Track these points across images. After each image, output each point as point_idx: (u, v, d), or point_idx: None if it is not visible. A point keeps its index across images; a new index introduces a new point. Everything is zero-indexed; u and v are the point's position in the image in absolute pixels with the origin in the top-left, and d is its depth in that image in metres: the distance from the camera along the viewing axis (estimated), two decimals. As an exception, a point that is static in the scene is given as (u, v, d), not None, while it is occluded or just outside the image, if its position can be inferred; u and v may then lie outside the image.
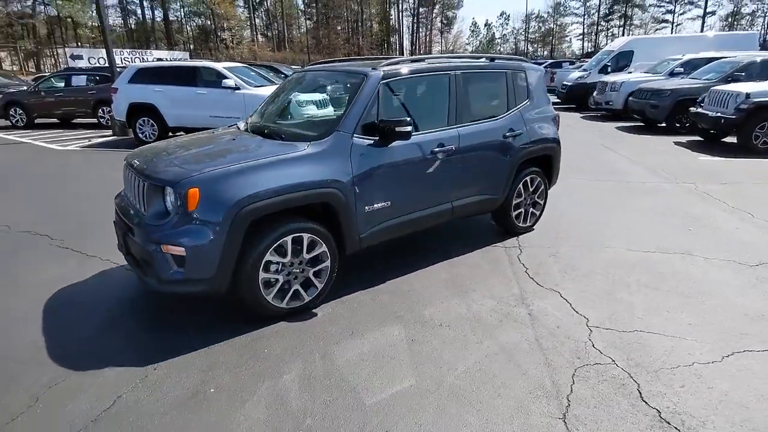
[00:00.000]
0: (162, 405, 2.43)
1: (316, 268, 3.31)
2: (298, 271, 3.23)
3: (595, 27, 67.01)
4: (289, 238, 3.10)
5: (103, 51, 34.68)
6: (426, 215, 3.87)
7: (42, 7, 39.42)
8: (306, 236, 3.18)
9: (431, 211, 3.90)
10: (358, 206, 3.38)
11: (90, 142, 11.13)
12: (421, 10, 68.63)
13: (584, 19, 68.35)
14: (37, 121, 14.40)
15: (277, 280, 3.14)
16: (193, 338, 3.01)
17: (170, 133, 10.15)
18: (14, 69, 35.11)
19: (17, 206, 5.93)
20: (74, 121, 14.67)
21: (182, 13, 48.66)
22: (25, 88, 15.88)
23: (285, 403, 2.44)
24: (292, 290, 3.22)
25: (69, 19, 38.11)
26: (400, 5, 67.79)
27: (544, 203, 4.88)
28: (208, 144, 3.63)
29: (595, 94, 14.18)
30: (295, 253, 3.18)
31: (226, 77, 9.67)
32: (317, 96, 4.42)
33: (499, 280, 3.79)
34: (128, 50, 39.62)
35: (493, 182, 4.28)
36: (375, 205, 3.49)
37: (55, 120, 14.70)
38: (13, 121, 14.30)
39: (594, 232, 4.77)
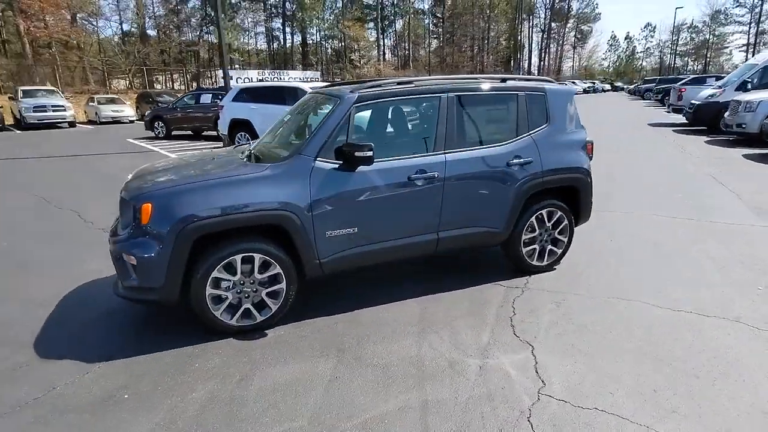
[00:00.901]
0: (79, 403, 2.63)
1: (270, 289, 3.32)
2: (249, 290, 3.27)
3: (765, 36, 57.27)
4: (238, 257, 3.17)
5: (250, 72, 39.51)
6: (404, 245, 3.65)
7: (207, 35, 46.16)
8: (257, 256, 3.21)
9: (410, 240, 3.67)
10: (317, 231, 3.32)
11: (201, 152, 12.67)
12: (553, 25, 65.62)
13: (749, 28, 58.88)
14: (174, 133, 16.83)
15: (226, 297, 3.22)
16: (146, 343, 3.23)
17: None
18: (182, 88, 41.77)
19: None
20: (203, 133, 16.83)
21: (318, 37, 53.18)
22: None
23: (174, 422, 2.47)
24: (242, 309, 3.27)
25: (227, 45, 44.08)
26: (531, 21, 65.65)
27: (569, 240, 4.28)
28: (191, 164, 3.86)
29: (726, 114, 12.07)
30: (246, 273, 3.23)
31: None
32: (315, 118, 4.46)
33: (473, 323, 3.40)
34: (269, 71, 44.33)
35: (492, 214, 3.88)
36: (338, 231, 3.39)
37: (188, 132, 17.03)
38: (156, 133, 16.91)
39: (623, 279, 4.05)
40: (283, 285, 3.33)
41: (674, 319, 3.37)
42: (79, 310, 3.72)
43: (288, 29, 49.72)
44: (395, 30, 61.24)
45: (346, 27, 48.90)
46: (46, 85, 29.54)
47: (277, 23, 49.96)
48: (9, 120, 22.51)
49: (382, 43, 60.40)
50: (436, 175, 3.59)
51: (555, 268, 4.33)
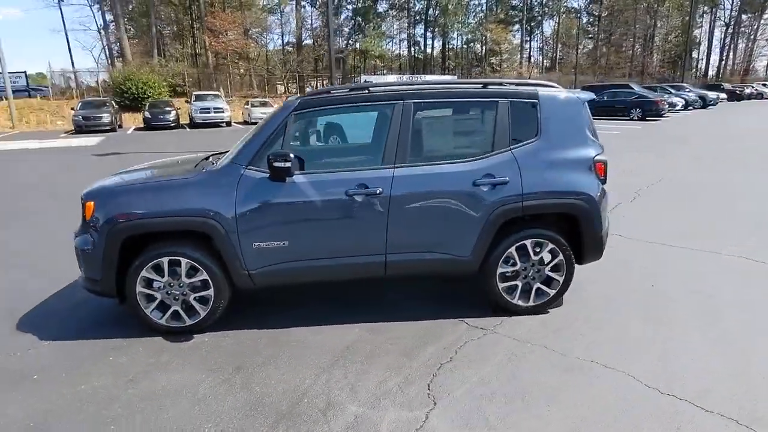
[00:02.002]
0: (7, 373, 2.96)
1: (199, 295, 3.33)
2: (178, 293, 3.32)
3: None
4: (165, 260, 3.23)
5: (388, 77, 41.14)
6: (345, 264, 3.34)
7: (358, 43, 49.28)
8: (184, 261, 3.24)
9: (352, 261, 3.34)
10: (243, 241, 3.22)
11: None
12: (743, 17, 55.15)
13: None
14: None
15: (157, 297, 3.31)
16: (95, 330, 3.49)
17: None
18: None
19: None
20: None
21: (459, 41, 52.91)
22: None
23: (49, 412, 2.60)
24: (171, 310, 3.33)
25: (372, 52, 46.54)
26: (714, 14, 56.12)
27: (566, 281, 3.47)
28: (158, 167, 3.99)
29: None
30: (174, 275, 3.28)
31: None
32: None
33: (394, 364, 2.95)
34: (406, 76, 45.58)
35: (457, 239, 3.33)
36: (267, 243, 3.25)
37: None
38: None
39: (628, 339, 3.13)
40: (211, 292, 3.31)
41: (666, 417, 2.48)
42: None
43: (429, 34, 50.44)
44: (542, 31, 57.83)
45: (488, 30, 47.72)
46: (220, 90, 34.61)
47: (419, 29, 51.02)
48: (185, 119, 26.80)
49: (529, 45, 57.59)
50: (378, 192, 3.20)
51: (548, 311, 3.56)
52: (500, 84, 3.51)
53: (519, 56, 53.05)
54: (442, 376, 2.81)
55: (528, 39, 55.80)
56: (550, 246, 3.39)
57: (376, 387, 2.74)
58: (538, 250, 3.41)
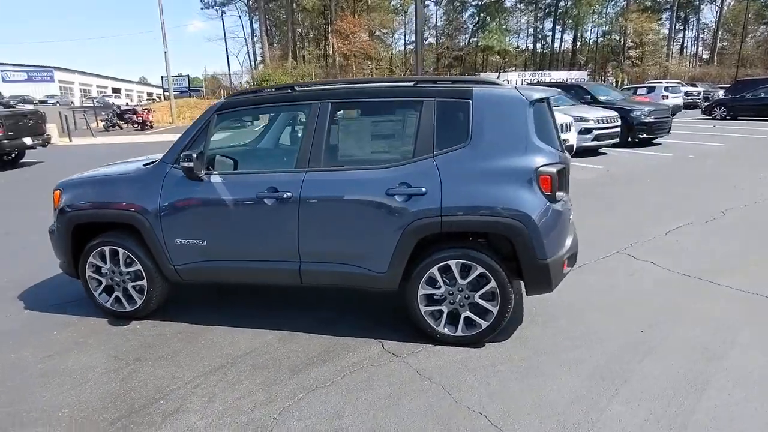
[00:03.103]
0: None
1: (136, 284, 3.51)
2: (118, 280, 3.54)
3: None
4: (107, 249, 3.47)
5: (509, 74, 39.33)
6: (261, 269, 3.24)
7: (480, 40, 48.06)
8: (121, 251, 3.45)
9: (267, 266, 3.22)
10: (167, 237, 3.30)
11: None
12: None
13: None
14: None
15: (102, 281, 3.58)
16: (73, 307, 3.88)
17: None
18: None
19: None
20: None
21: (593, 34, 48.21)
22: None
23: (-32, 370, 2.98)
24: (113, 295, 3.58)
25: (494, 49, 44.96)
26: None
27: (501, 312, 2.91)
28: (126, 162, 4.15)
29: None
30: (116, 264, 3.51)
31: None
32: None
33: (266, 380, 2.77)
34: (530, 72, 43.07)
35: (370, 252, 3.01)
36: (187, 241, 3.29)
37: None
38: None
39: (549, 400, 2.51)
40: (145, 282, 3.47)
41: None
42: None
43: (558, 27, 46.85)
44: (698, 18, 49.91)
45: (629, 20, 42.74)
46: None
47: (547, 23, 47.71)
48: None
49: (682, 35, 50.32)
50: (286, 196, 3.03)
51: (484, 345, 3.04)
52: (433, 82, 3.07)
53: (667, 47, 46.50)
54: (306, 401, 2.56)
55: (681, 28, 48.71)
56: (480, 270, 2.88)
57: (233, 401, 2.60)
58: (466, 273, 2.92)
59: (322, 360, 2.96)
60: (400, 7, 47.28)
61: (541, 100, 2.92)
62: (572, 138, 8.98)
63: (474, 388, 2.62)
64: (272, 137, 3.68)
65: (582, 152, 10.67)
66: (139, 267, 3.43)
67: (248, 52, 53.22)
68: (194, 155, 3.02)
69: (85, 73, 73.62)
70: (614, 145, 11.39)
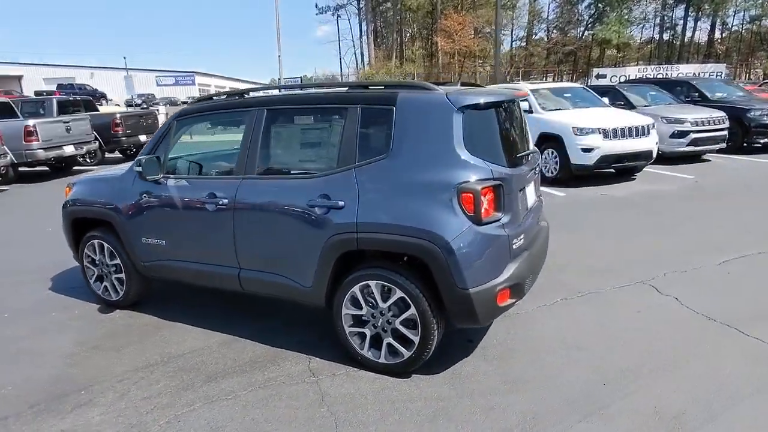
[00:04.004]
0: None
1: (118, 276, 3.80)
2: (106, 271, 3.86)
3: None
4: (96, 242, 3.81)
5: (627, 69, 35.56)
6: (209, 273, 3.29)
7: (595, 34, 44.25)
8: (106, 246, 3.76)
9: (213, 270, 3.26)
10: (134, 234, 3.51)
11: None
12: None
13: None
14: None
15: (94, 271, 3.93)
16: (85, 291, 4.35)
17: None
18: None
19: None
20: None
21: (736, 20, 41.42)
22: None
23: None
24: (103, 285, 3.90)
25: (611, 42, 41.09)
26: None
27: (424, 342, 2.60)
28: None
29: None
30: (103, 256, 3.83)
31: (522, 99, 8.97)
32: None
33: (179, 385, 2.79)
34: (653, 66, 38.49)
35: (295, 265, 2.90)
36: (150, 240, 3.47)
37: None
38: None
39: None
40: (123, 276, 3.74)
41: None
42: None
43: (691, 14, 41.04)
44: None
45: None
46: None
47: (678, 11, 42.09)
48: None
49: None
50: (222, 203, 3.03)
51: (410, 375, 2.76)
52: (364, 87, 2.83)
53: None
54: (197, 412, 2.53)
55: None
56: (400, 294, 2.61)
57: (139, 401, 2.65)
58: (387, 296, 2.67)
59: (243, 370, 2.92)
60: (509, 3, 45.30)
61: (476, 106, 2.53)
62: (650, 143, 7.80)
63: (365, 425, 2.38)
64: (226, 144, 3.75)
65: (677, 159, 9.28)
66: (118, 261, 3.71)
67: (355, 54, 55.12)
68: (143, 159, 3.17)
69: (220, 77, 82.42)
70: (722, 151, 9.68)
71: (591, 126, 7.53)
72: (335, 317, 2.86)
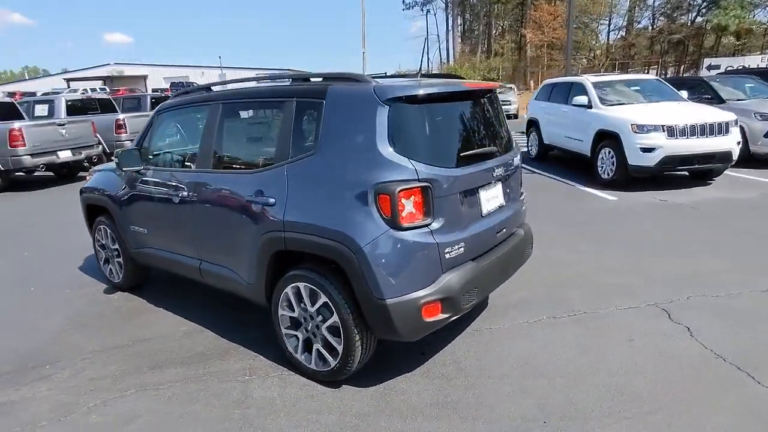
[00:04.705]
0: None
1: (118, 260, 4.04)
2: (110, 254, 4.13)
3: None
4: (102, 227, 4.08)
5: (747, 58, 31.15)
6: (179, 262, 3.37)
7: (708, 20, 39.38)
8: (109, 231, 4.01)
9: (181, 260, 3.33)
10: (125, 222, 3.71)
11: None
12: None
13: None
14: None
15: (102, 254, 4.22)
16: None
17: (549, 152, 9.81)
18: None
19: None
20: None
21: None
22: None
23: (-8, 309, 3.91)
24: (109, 267, 4.18)
25: (729, 28, 36.30)
26: None
27: (347, 351, 2.43)
28: None
29: None
30: (108, 240, 4.09)
31: (583, 93, 8.19)
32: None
33: (118, 371, 2.88)
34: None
35: (239, 260, 2.86)
36: (135, 228, 3.64)
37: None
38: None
39: None
40: (121, 260, 3.98)
41: None
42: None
43: None
44: None
45: None
46: (529, 83, 34.66)
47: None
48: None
49: None
50: (182, 195, 3.08)
51: (341, 385, 2.59)
52: (305, 79, 2.67)
53: None
54: (123, 399, 2.59)
55: None
56: (324, 299, 2.45)
57: (85, 381, 2.78)
58: (314, 300, 2.52)
59: (189, 362, 2.95)
60: (609, -11, 41.79)
61: (407, 99, 2.27)
62: (729, 143, 6.68)
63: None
64: (197, 136, 3.79)
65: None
66: (117, 246, 3.95)
67: (439, 49, 54.38)
68: (119, 151, 3.32)
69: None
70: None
71: (653, 123, 6.65)
72: (273, 317, 2.78)
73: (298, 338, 2.68)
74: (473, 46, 48.55)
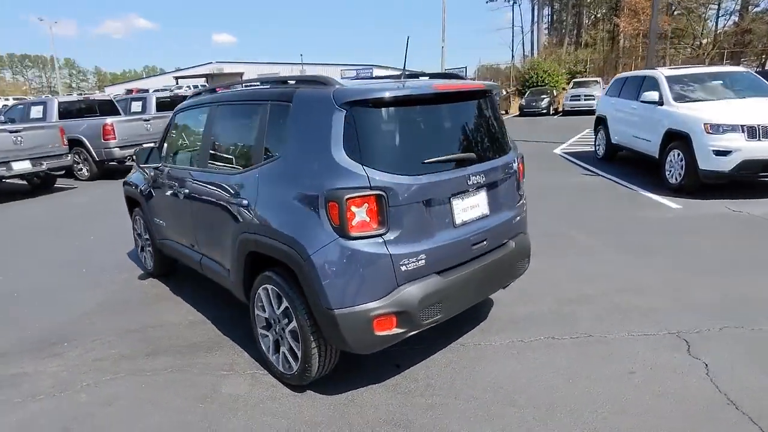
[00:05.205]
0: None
1: (149, 248, 4.36)
2: (143, 243, 4.45)
3: None
4: (137, 217, 4.41)
5: None
6: (188, 255, 3.55)
7: None
8: (142, 221, 4.33)
9: (188, 252, 3.51)
10: (150, 214, 4.00)
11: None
12: None
13: None
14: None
15: (139, 242, 4.57)
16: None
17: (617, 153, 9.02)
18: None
19: None
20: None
21: None
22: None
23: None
24: (143, 254, 4.52)
25: None
26: None
27: (305, 357, 2.41)
28: None
29: None
30: (141, 229, 4.41)
31: (654, 88, 7.38)
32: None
33: (103, 355, 3.09)
34: None
35: (222, 256, 2.98)
36: (158, 220, 3.90)
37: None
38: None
39: None
40: (152, 249, 4.28)
41: None
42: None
43: None
44: None
45: None
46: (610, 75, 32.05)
47: None
48: (513, 110, 26.88)
49: None
50: (184, 192, 3.25)
51: (305, 390, 2.58)
52: (283, 82, 2.66)
53: None
54: (112, 382, 2.77)
55: None
56: (285, 303, 2.45)
57: (90, 360, 3.03)
58: (279, 302, 2.52)
59: (180, 352, 3.10)
60: (721, -31, 37.30)
61: (365, 102, 2.16)
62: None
63: (219, 430, 2.32)
64: (199, 136, 3.92)
65: None
66: (148, 236, 4.26)
67: (522, 41, 52.16)
68: (138, 149, 3.56)
69: (395, 68, 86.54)
70: None
71: (731, 122, 5.83)
72: (251, 315, 2.83)
73: (269, 339, 2.71)
74: (561, 37, 45.92)
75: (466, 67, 45.50)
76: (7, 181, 8.55)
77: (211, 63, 50.67)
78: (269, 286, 2.56)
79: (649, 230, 5.02)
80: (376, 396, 2.52)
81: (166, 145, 3.73)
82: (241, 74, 48.60)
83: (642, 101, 7.53)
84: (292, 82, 2.60)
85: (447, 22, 30.92)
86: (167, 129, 3.79)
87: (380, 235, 2.17)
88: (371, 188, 2.12)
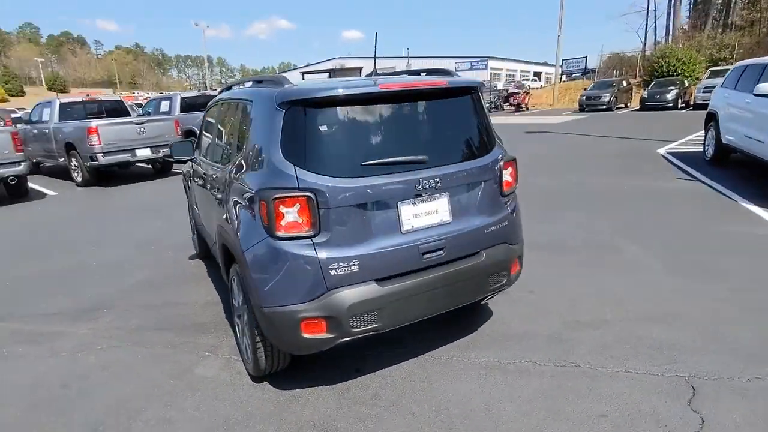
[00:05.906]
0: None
1: (196, 233, 4.80)
2: (194, 228, 4.91)
3: None
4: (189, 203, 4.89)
5: None
6: (210, 240, 3.83)
7: None
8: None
9: (209, 238, 3.79)
10: (191, 200, 4.40)
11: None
12: None
13: None
14: None
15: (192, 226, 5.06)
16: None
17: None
18: None
19: None
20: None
21: None
22: None
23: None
24: (193, 237, 4.98)
25: None
26: None
27: (253, 347, 2.49)
28: None
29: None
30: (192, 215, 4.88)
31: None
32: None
33: (97, 332, 3.45)
34: None
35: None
36: (195, 207, 4.26)
37: None
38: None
39: None
40: (195, 237, 4.72)
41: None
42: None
43: None
44: None
45: None
46: None
47: None
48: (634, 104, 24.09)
49: None
50: (201, 183, 3.53)
51: (264, 381, 2.66)
52: (259, 82, 2.68)
53: None
54: (103, 352, 3.10)
55: None
56: (242, 295, 2.54)
57: (105, 329, 3.43)
58: (240, 294, 2.62)
59: (184, 329, 3.37)
60: None
61: (305, 102, 2.12)
62: None
63: (169, 409, 2.50)
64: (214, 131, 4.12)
65: None
66: (194, 220, 4.69)
67: (655, 26, 46.40)
68: (172, 142, 3.92)
69: (511, 60, 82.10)
70: None
71: None
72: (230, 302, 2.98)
73: (238, 328, 2.84)
74: (703, 19, 40.06)
75: (586, 57, 42.03)
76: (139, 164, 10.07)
77: (333, 59, 53.25)
78: (234, 277, 2.67)
79: (725, 249, 4.23)
80: (321, 398, 2.51)
81: (202, 139, 4.07)
82: (360, 68, 50.07)
83: (756, 94, 6.32)
84: (259, 82, 2.67)
85: (566, 9, 28.82)
86: (202, 124, 4.12)
87: (309, 237, 2.14)
88: (299, 189, 2.11)
